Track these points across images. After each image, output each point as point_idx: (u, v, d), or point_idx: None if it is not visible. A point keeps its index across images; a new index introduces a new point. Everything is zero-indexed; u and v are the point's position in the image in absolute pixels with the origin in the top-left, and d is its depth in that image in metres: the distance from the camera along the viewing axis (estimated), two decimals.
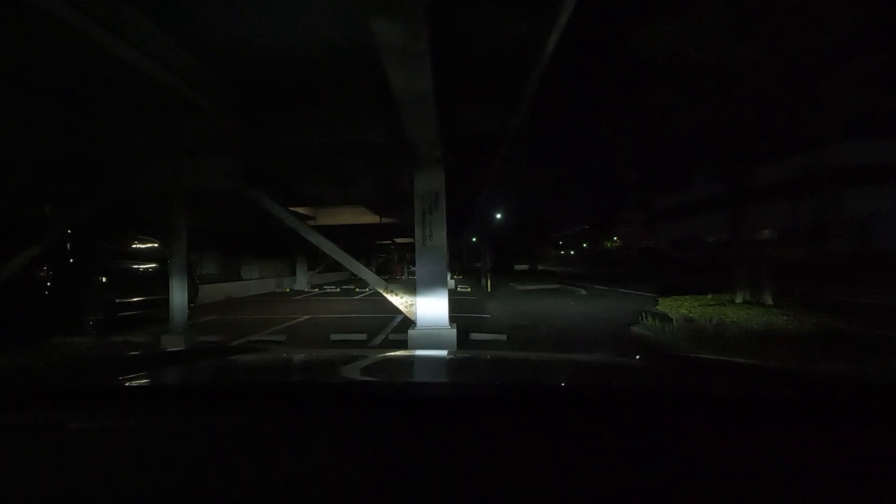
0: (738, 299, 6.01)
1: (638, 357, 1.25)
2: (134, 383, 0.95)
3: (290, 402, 0.81)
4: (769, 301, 5.76)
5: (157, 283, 9.27)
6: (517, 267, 29.15)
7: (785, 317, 4.92)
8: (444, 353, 1.86)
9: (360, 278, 21.16)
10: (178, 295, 5.74)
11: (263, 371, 1.23)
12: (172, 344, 5.52)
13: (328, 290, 18.15)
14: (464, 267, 32.65)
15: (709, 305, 5.82)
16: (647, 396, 0.83)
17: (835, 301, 8.81)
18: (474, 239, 38.16)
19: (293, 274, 21.15)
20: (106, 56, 3.74)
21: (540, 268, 30.18)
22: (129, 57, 3.71)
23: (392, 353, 1.72)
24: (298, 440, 0.66)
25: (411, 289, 6.09)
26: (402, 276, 28.47)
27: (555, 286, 17.56)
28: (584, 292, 14.97)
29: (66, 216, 5.94)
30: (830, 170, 21.21)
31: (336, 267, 27.52)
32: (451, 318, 5.98)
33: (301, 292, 17.93)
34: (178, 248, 5.80)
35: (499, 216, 30.34)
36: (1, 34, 3.96)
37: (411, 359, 1.40)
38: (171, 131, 5.49)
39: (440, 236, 5.69)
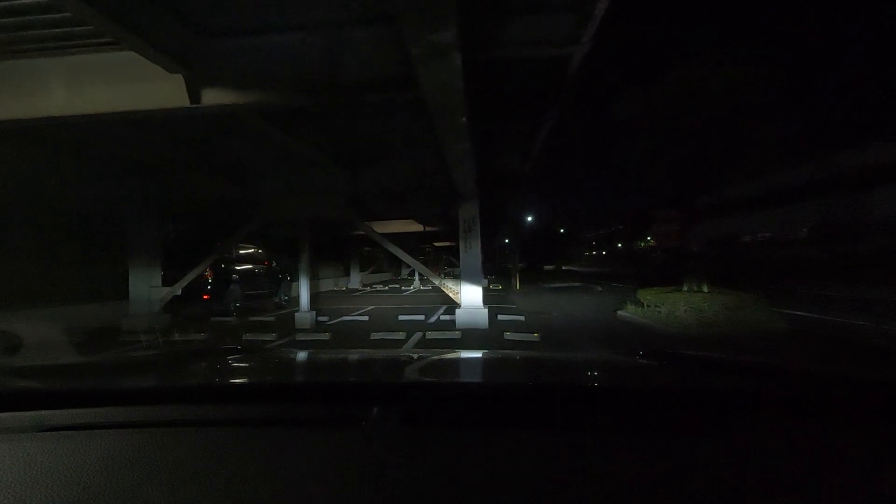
0: (685, 288, 8.41)
1: (642, 357, 1.26)
2: (138, 385, 1.01)
3: (290, 402, 0.84)
4: (705, 289, 8.12)
5: (263, 279, 12.48)
6: (546, 267, 31.44)
7: (700, 297, 7.32)
8: (448, 353, 1.89)
9: (403, 278, 24.82)
10: (305, 287, 8.73)
11: (263, 371, 1.28)
12: (304, 319, 8.48)
13: (378, 289, 21.15)
14: (497, 267, 35.00)
15: (666, 293, 8.23)
16: (651, 396, 0.85)
17: (768, 290, 10.93)
18: (507, 241, 40.55)
19: (346, 274, 24.42)
20: (262, 137, 6.27)
21: (565, 268, 32.34)
22: (277, 137, 6.35)
23: (393, 354, 1.82)
24: (298, 439, 0.67)
25: (454, 283, 8.84)
26: (439, 274, 31.20)
27: (576, 284, 19.97)
28: (599, 289, 17.32)
29: (228, 237, 9.00)
30: (772, 190, 26.92)
31: (381, 268, 30.85)
32: (486, 308, 8.57)
33: (356, 290, 21.02)
34: (304, 258, 8.79)
35: (529, 219, 32.76)
36: (201, 130, 6.61)
37: (414, 359, 1.37)
38: (300, 181, 8.42)
39: (476, 246, 8.40)
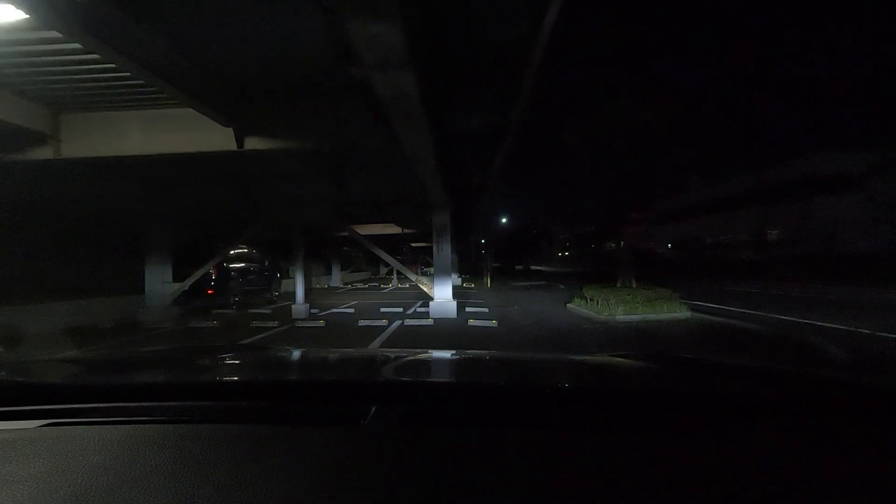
0: (619, 284, 10.24)
1: (638, 358, 1.26)
2: (141, 381, 1.03)
3: (289, 400, 0.85)
4: (633, 285, 9.93)
5: (256, 277, 13.78)
6: (517, 267, 33.35)
7: (626, 291, 9.15)
8: (448, 353, 1.84)
9: (381, 277, 26.75)
10: (300, 282, 10.15)
11: (263, 369, 1.28)
12: (300, 310, 9.89)
13: (359, 287, 22.55)
14: (472, 266, 36.67)
15: (604, 289, 10.00)
16: (647, 397, 0.85)
17: (689, 285, 12.94)
18: (483, 241, 42.45)
19: (328, 273, 25.69)
20: (279, 166, 7.80)
21: (534, 268, 34.35)
22: (293, 167, 7.82)
23: (393, 353, 1.84)
24: (297, 437, 0.68)
25: (429, 280, 10.41)
26: (416, 273, 32.76)
27: (542, 283, 21.81)
28: (561, 287, 19.12)
29: (232, 239, 10.34)
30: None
31: (360, 268, 32.18)
32: (458, 303, 10.09)
33: (339, 288, 22.34)
34: (299, 257, 10.22)
35: (504, 220, 34.64)
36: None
37: (414, 358, 1.38)
38: (296, 190, 9.83)
39: (447, 248, 10.00)
